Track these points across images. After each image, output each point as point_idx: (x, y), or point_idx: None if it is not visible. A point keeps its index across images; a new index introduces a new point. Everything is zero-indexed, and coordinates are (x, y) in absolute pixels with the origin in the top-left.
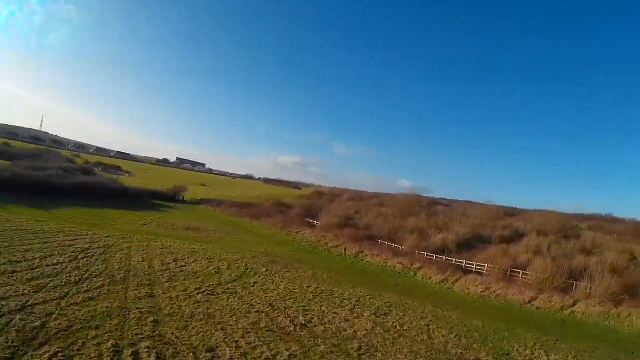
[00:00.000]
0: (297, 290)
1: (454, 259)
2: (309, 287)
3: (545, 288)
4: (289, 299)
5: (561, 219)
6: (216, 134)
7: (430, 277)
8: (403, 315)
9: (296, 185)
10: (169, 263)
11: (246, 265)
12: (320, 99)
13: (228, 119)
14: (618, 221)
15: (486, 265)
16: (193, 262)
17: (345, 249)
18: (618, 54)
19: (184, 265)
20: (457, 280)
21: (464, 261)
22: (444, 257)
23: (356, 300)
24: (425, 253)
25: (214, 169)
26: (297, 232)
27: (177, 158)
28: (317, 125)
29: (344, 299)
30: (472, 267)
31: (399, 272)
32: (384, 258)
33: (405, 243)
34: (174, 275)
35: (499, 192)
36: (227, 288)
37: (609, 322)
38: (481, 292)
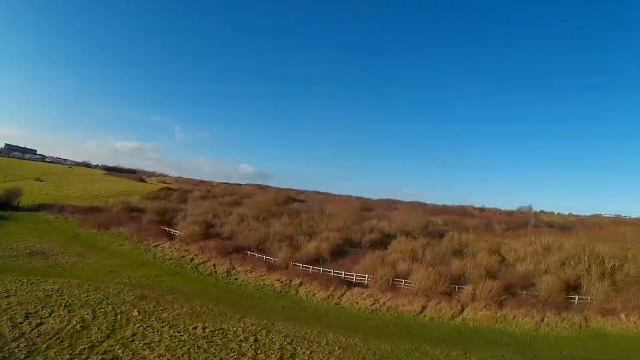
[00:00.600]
0: (184, 337)
1: (332, 271)
2: (195, 329)
3: (431, 294)
4: (182, 354)
5: (420, 216)
6: (47, 116)
7: (314, 294)
8: (311, 353)
9: (141, 178)
10: (21, 323)
11: (114, 309)
12: (159, 77)
13: (59, 102)
14: (468, 213)
15: (367, 275)
16: (50, 315)
17: (214, 266)
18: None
19: (40, 324)
20: (342, 294)
21: (343, 272)
22: (321, 268)
23: (254, 340)
24: (301, 265)
25: (46, 156)
26: (156, 245)
27: (6, 144)
28: (157, 107)
29: (240, 340)
30: (353, 279)
31: (280, 292)
32: (259, 275)
33: (277, 254)
34: (33, 345)
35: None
36: (104, 353)
37: (500, 326)
38: (371, 305)
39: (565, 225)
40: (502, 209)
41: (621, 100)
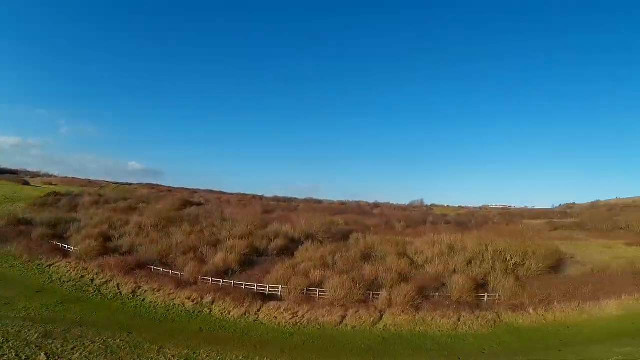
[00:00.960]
0: None
1: (243, 284)
2: None
3: (348, 303)
4: None
5: (323, 218)
6: None
7: (229, 312)
8: None
9: (24, 180)
10: None
11: (18, 354)
12: (39, 67)
13: None
14: (363, 209)
15: (280, 287)
16: None
17: (118, 286)
18: None
19: None
20: (259, 310)
21: (255, 285)
22: (232, 281)
23: None
24: (211, 279)
25: None
26: (51, 265)
27: None
28: (39, 99)
29: None
30: (266, 291)
31: (193, 312)
32: (168, 293)
33: (183, 268)
34: None
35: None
36: None
37: (420, 329)
38: (291, 319)
39: (460, 221)
40: (395, 203)
41: (502, 95)
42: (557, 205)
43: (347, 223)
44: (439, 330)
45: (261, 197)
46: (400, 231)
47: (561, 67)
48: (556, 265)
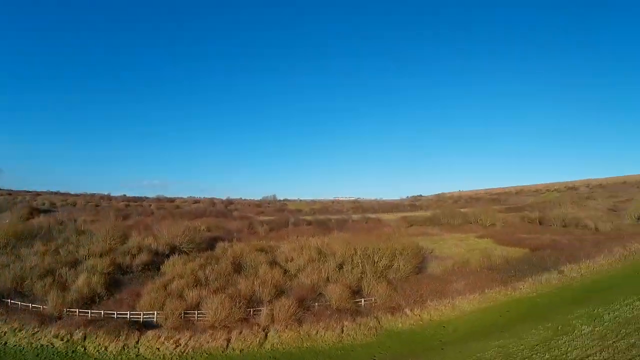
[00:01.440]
0: None
1: (115, 312)
2: None
3: (230, 324)
4: None
5: (184, 225)
6: None
7: (106, 348)
8: None
9: None
10: None
11: None
12: None
13: None
14: (225, 214)
15: (155, 313)
16: None
17: None
18: None
19: None
20: (138, 341)
21: (128, 312)
22: (102, 311)
23: None
24: (77, 310)
25: None
26: None
27: None
28: None
29: None
30: (140, 318)
31: (66, 354)
32: (32, 333)
33: (43, 297)
34: None
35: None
36: None
37: (307, 344)
38: (175, 349)
39: (321, 221)
40: (248, 198)
41: (346, 90)
42: (406, 197)
43: (209, 228)
44: (326, 344)
45: (109, 198)
46: (264, 235)
47: (407, 66)
48: (420, 263)
